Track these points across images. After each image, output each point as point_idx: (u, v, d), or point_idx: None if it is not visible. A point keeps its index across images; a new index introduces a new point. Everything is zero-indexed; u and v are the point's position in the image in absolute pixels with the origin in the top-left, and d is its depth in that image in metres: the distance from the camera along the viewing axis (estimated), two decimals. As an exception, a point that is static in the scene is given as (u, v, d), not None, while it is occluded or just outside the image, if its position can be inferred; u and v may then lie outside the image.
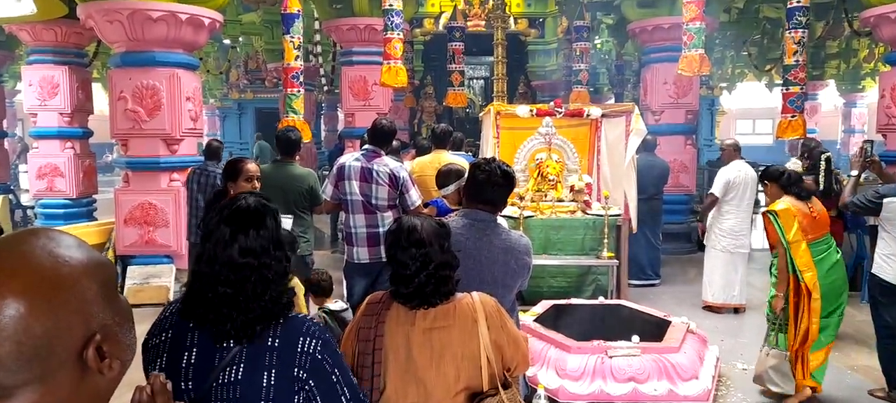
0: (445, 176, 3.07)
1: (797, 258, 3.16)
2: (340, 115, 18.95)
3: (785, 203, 3.25)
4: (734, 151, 5.29)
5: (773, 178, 3.38)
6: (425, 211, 3.09)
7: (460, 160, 3.98)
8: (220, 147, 5.16)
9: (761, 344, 3.35)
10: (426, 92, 13.62)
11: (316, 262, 4.42)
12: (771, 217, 3.24)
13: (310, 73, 11.57)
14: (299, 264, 3.76)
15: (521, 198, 4.94)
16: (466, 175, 2.22)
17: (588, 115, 5.31)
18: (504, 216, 4.70)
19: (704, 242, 5.41)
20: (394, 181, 3.48)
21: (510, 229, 2.19)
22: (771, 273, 3.29)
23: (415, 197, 3.54)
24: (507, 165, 2.17)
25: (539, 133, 5.40)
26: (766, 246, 3.50)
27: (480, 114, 6.27)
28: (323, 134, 20.88)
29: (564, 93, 11.52)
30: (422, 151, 5.46)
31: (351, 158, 3.58)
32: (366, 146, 3.63)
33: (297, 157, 4.18)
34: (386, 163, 3.53)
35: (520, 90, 12.66)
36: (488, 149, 5.19)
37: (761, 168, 3.75)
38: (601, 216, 4.98)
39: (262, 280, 1.28)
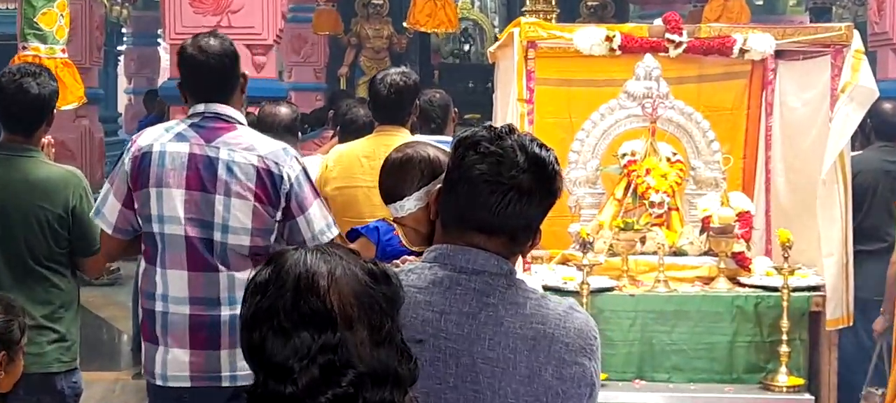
0: (399, 170, 3.15)
1: None
2: (164, 54, 18.95)
3: None
4: None
5: None
6: (353, 247, 3.14)
7: (433, 147, 4.04)
8: None
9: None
10: (369, 1, 13.84)
11: (98, 395, 4.38)
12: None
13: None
14: (37, 388, 3.79)
15: (586, 245, 4.97)
16: (444, 171, 2.28)
17: (744, 51, 5.41)
18: (550, 288, 4.72)
19: None
20: (269, 183, 3.58)
21: (547, 295, 2.20)
22: None
23: (319, 218, 3.66)
24: (543, 145, 2.17)
25: (629, 93, 5.55)
26: None
27: (490, 49, 6.24)
28: (124, 98, 20.90)
29: (693, 2, 11.58)
30: (352, 131, 5.55)
31: (165, 135, 3.66)
32: (199, 105, 3.69)
33: (46, 140, 4.25)
34: (251, 144, 3.64)
35: None
36: (510, 118, 5.26)
37: None
38: (774, 290, 5.06)
39: None
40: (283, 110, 5.69)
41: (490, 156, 2.12)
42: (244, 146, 3.59)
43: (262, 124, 5.65)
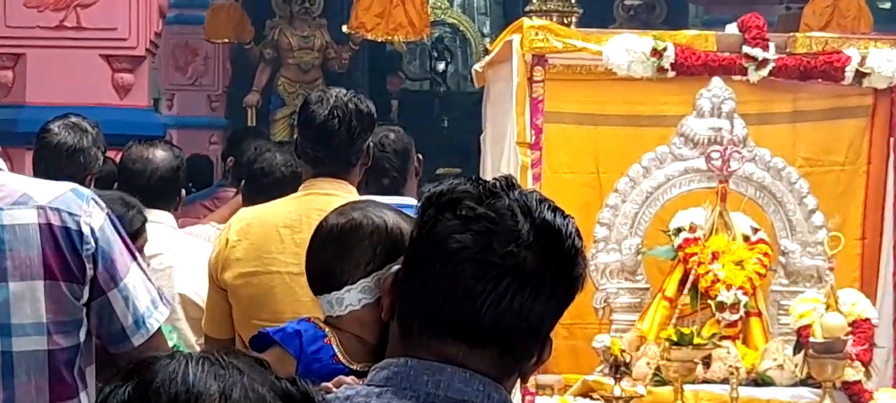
0: (339, 244, 3.21)
1: None
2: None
3: None
4: None
5: None
6: (268, 358, 3.12)
7: (393, 212, 3.99)
8: None
9: None
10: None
11: None
12: None
13: None
14: None
15: (621, 367, 5.02)
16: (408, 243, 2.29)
17: (862, 74, 5.51)
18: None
19: None
20: (64, 245, 3.56)
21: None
22: None
23: (142, 291, 3.67)
24: (558, 208, 2.15)
25: (686, 136, 5.64)
26: None
27: (477, 67, 6.35)
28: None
29: (786, 2, 11.66)
30: (265, 188, 5.63)
31: None
32: None
33: None
34: (23, 193, 3.61)
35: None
36: (506, 172, 5.25)
37: None
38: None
39: None
40: (160, 155, 5.67)
41: (476, 220, 2.11)
42: (13, 198, 3.50)
43: (126, 175, 5.64)
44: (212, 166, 9.38)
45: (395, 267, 2.30)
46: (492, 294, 2.10)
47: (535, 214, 2.14)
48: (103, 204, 3.63)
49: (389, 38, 9.65)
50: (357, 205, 3.28)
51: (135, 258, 3.63)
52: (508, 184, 2.18)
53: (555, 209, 2.18)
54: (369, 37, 9.85)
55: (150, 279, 3.67)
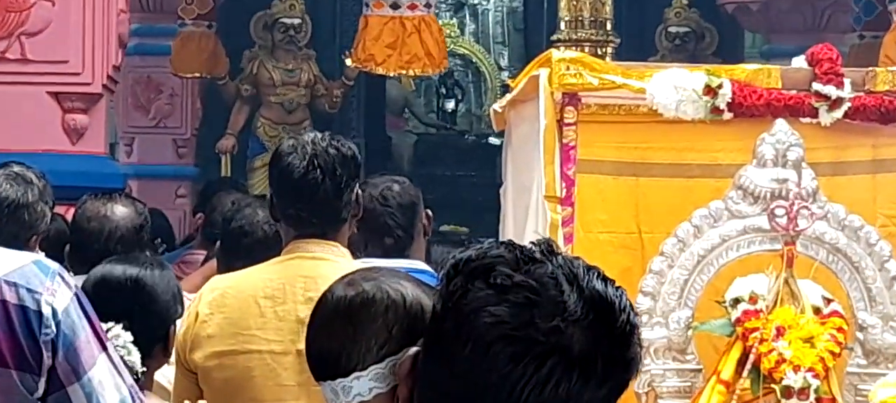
0: (347, 320, 3.17)
1: None
2: None
3: None
4: None
5: None
6: None
7: (411, 283, 3.99)
8: None
9: None
10: (275, 21, 13.82)
11: None
12: None
13: None
14: None
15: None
16: (428, 323, 2.31)
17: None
18: None
19: None
20: (19, 329, 3.46)
21: None
22: None
23: (110, 388, 3.63)
24: (607, 277, 2.13)
25: (745, 189, 5.66)
26: None
27: (496, 107, 6.37)
28: None
29: (859, 29, 11.86)
30: (242, 251, 5.68)
31: None
32: None
33: None
34: None
35: (671, 21, 13.25)
36: (531, 231, 5.35)
37: None
38: None
39: None
40: (119, 211, 5.70)
41: (514, 290, 2.10)
42: None
43: (79, 236, 5.65)
44: (168, 223, 9.31)
45: (414, 350, 2.34)
46: (533, 378, 2.10)
47: (582, 284, 2.13)
48: (71, 283, 3.57)
49: (403, 72, 9.58)
50: (368, 274, 3.23)
51: (105, 348, 3.59)
52: (549, 248, 2.18)
53: (605, 278, 2.17)
54: (380, 71, 9.83)
55: (121, 373, 3.63)
